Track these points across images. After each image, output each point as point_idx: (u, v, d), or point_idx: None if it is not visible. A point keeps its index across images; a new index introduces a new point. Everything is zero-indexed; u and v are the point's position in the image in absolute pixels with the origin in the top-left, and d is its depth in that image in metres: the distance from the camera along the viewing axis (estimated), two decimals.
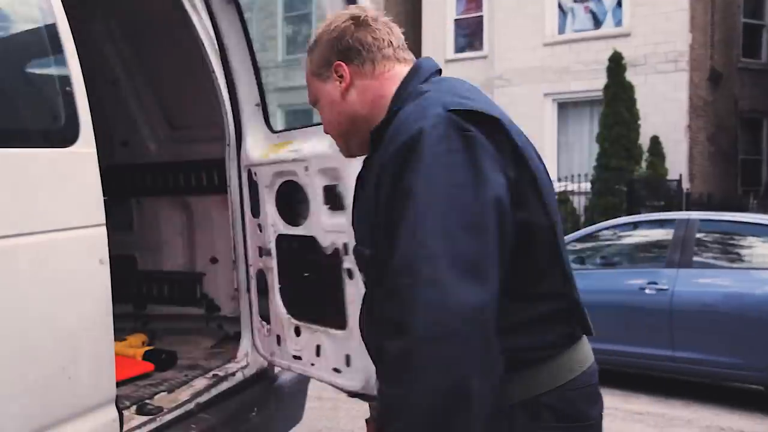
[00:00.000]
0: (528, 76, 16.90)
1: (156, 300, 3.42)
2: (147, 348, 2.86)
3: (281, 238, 2.61)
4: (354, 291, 2.34)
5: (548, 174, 1.39)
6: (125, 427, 2.22)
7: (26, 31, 1.99)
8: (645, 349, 6.29)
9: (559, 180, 13.22)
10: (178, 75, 3.10)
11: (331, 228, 2.42)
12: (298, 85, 20.67)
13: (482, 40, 18.57)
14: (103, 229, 2.04)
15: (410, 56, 1.51)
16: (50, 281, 1.90)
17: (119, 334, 2.99)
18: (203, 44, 2.77)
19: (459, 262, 1.15)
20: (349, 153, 1.57)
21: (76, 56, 2.02)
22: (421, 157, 1.21)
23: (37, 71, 2.04)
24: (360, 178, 1.50)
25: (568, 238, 7.27)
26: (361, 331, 1.57)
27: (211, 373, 2.68)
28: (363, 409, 5.29)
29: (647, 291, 6.28)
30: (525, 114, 16.91)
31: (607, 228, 7.46)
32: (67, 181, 1.96)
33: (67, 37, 2.00)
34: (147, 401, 2.42)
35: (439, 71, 1.51)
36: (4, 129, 1.86)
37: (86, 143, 2.01)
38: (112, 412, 2.08)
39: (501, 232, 1.20)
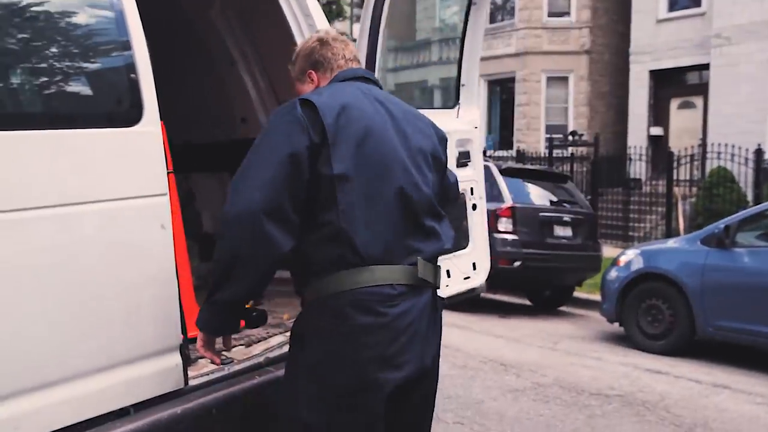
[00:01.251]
0: (754, 34, 15.30)
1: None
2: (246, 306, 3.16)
3: None
4: (476, 218, 3.62)
5: (386, 145, 2.05)
6: (196, 372, 2.52)
7: (97, 22, 2.27)
8: None
9: None
10: (282, 58, 3.32)
11: (461, 179, 3.10)
12: (500, 54, 20.55)
13: None
14: (165, 198, 2.32)
15: (357, 66, 2.28)
16: (117, 242, 2.21)
17: None
18: (291, 29, 2.97)
19: (254, 182, 1.93)
20: None
21: (144, 46, 2.30)
22: (272, 121, 2.05)
23: (106, 60, 2.32)
24: None
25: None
26: None
27: (287, 330, 2.92)
28: (500, 380, 5.43)
29: None
30: (747, 76, 15.37)
31: None
32: (132, 156, 2.25)
33: (135, 28, 2.27)
34: (224, 352, 2.69)
35: (361, 78, 2.22)
36: (76, 112, 2.19)
37: (150, 123, 2.28)
38: (176, 358, 2.38)
39: (292, 169, 1.92)
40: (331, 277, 1.99)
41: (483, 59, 16.13)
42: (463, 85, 3.50)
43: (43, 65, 2.16)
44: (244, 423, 2.54)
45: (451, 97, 3.60)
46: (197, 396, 2.42)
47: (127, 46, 2.25)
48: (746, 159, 14.00)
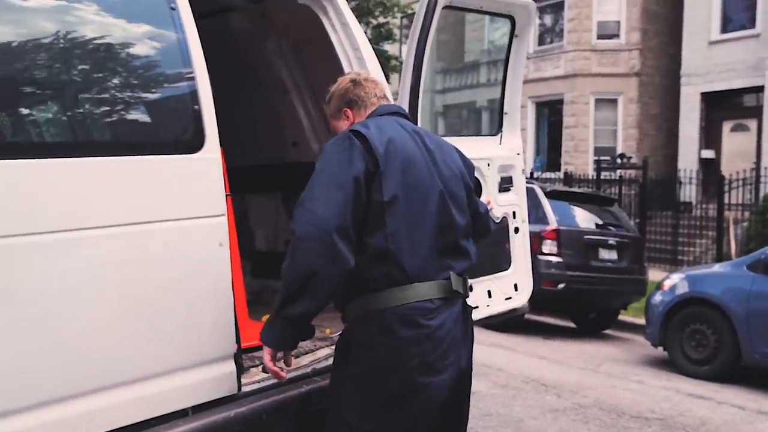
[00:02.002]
0: None
1: None
2: None
3: None
4: (518, 241, 3.80)
5: (424, 174, 2.28)
6: (247, 380, 2.72)
7: (165, 60, 2.51)
8: None
9: None
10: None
11: (503, 203, 3.61)
12: (548, 76, 20.59)
13: (755, 15, 16.93)
14: (224, 218, 2.54)
15: (387, 102, 2.54)
16: (179, 258, 2.43)
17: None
18: (341, 61, 3.19)
19: (325, 203, 2.11)
20: None
21: (207, 80, 2.53)
22: (329, 150, 2.24)
23: (173, 93, 2.56)
24: None
25: None
26: None
27: (333, 344, 3.10)
28: (540, 400, 5.56)
29: None
30: None
31: None
32: (194, 179, 2.47)
33: (199, 64, 2.51)
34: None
35: (396, 113, 2.46)
36: (146, 141, 2.43)
37: (210, 150, 2.51)
38: (230, 366, 2.58)
39: (354, 192, 2.13)
40: (379, 294, 2.20)
41: (531, 81, 16.34)
42: (506, 113, 3.66)
43: (118, 100, 2.41)
44: (292, 428, 2.73)
45: (495, 122, 3.76)
46: (249, 401, 2.61)
47: (191, 81, 2.48)
48: None
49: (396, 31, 20.91)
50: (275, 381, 2.76)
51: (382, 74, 3.31)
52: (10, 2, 2.19)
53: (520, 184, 3.68)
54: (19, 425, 2.05)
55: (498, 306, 3.54)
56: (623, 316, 9.60)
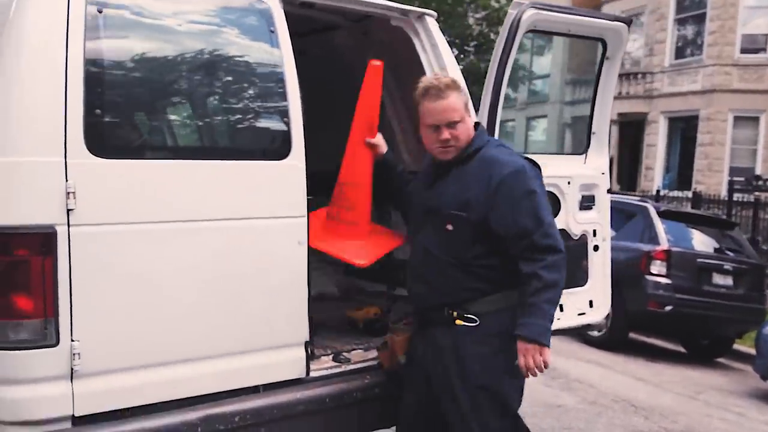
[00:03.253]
0: None
1: (403, 284, 4.17)
2: (370, 318, 3.62)
3: None
4: (597, 259, 3.78)
5: None
6: (317, 366, 3.01)
7: (261, 78, 2.86)
8: None
9: None
10: None
11: (582, 221, 3.72)
12: (685, 90, 19.80)
13: None
14: (303, 220, 2.84)
15: None
16: (264, 252, 2.76)
17: (364, 305, 3.86)
18: None
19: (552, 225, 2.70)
20: (448, 159, 2.80)
21: (297, 95, 2.84)
22: (531, 177, 2.70)
23: (265, 107, 2.90)
24: (441, 172, 2.83)
25: None
26: (416, 267, 2.87)
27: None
28: (626, 420, 5.60)
29: None
30: None
31: None
32: (280, 184, 2.79)
33: (291, 82, 2.82)
34: (344, 353, 3.18)
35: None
36: (240, 148, 2.79)
37: (296, 158, 2.81)
38: (301, 352, 2.88)
39: None
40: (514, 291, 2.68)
41: (665, 96, 15.88)
42: (593, 133, 3.74)
43: (224, 113, 2.81)
44: (353, 413, 2.99)
45: (583, 141, 3.84)
46: (316, 385, 2.92)
47: (284, 98, 2.80)
48: None
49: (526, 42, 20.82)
50: (341, 369, 3.06)
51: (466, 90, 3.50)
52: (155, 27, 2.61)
53: (603, 203, 3.75)
54: (125, 381, 2.47)
55: (570, 320, 3.63)
56: (738, 346, 9.19)
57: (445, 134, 2.71)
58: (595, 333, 8.56)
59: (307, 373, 2.92)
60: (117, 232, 2.43)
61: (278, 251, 2.80)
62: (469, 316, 2.69)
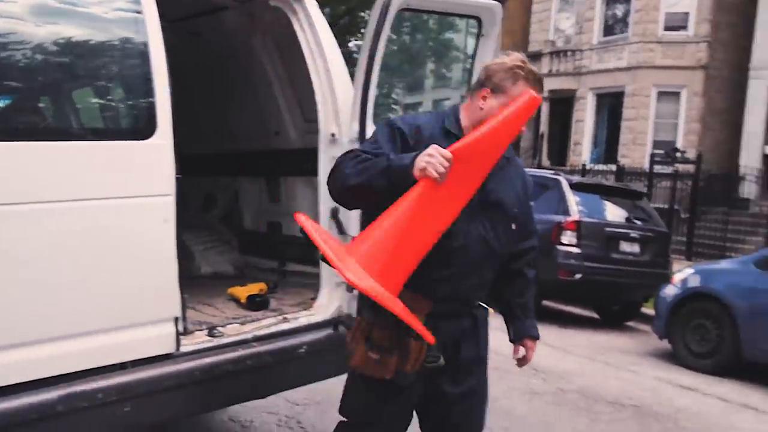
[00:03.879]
0: None
1: (293, 259, 4.31)
2: (252, 293, 3.75)
3: None
4: None
5: None
6: (190, 341, 3.11)
7: (125, 59, 2.92)
8: None
9: None
10: (304, 80, 3.88)
11: None
12: (612, 67, 20.31)
13: None
14: (170, 198, 2.91)
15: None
16: (126, 231, 2.83)
17: (251, 281, 3.98)
18: (306, 58, 3.56)
19: None
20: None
21: (165, 76, 2.90)
22: None
23: (129, 87, 2.97)
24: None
25: None
26: (474, 259, 2.48)
27: (282, 317, 3.48)
28: (525, 383, 5.78)
29: None
30: None
31: None
32: (144, 163, 2.87)
33: (158, 63, 2.88)
34: (219, 328, 3.30)
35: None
36: (101, 128, 2.87)
37: (161, 137, 2.89)
38: (170, 328, 2.97)
39: None
40: None
41: (592, 73, 16.28)
42: None
43: (81, 93, 2.86)
44: (225, 385, 3.12)
45: None
46: (185, 360, 3.01)
47: (149, 78, 2.86)
48: None
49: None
50: (214, 344, 3.18)
51: (347, 72, 3.63)
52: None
53: None
54: None
55: None
56: (646, 309, 9.64)
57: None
58: None
59: (178, 348, 3.01)
60: None
61: (143, 229, 2.88)
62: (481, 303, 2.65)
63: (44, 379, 2.62)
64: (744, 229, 15.29)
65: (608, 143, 21.04)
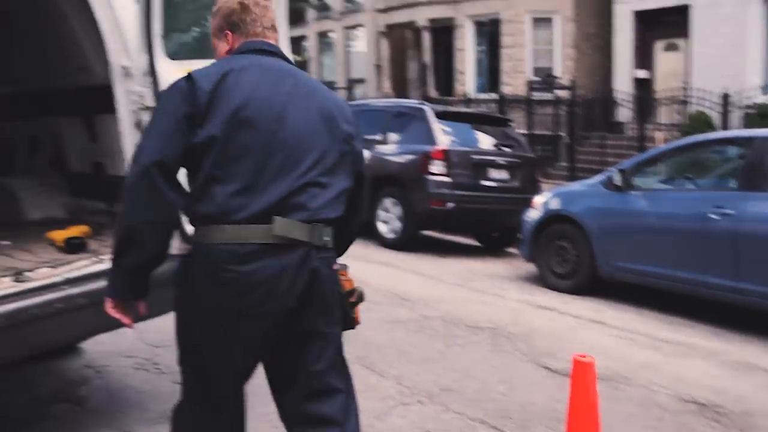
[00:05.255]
0: None
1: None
2: (70, 236, 3.54)
3: None
4: None
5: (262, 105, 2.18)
6: None
7: None
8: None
9: None
10: None
11: None
12: None
13: None
14: None
15: (273, 35, 2.38)
16: None
17: (77, 224, 3.75)
18: None
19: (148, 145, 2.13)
20: None
21: None
22: (164, 92, 2.26)
23: None
24: None
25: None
26: None
27: (98, 258, 3.30)
28: (390, 313, 5.65)
29: (713, 216, 5.89)
30: (727, 17, 15.21)
31: (687, 145, 6.98)
32: None
33: None
34: (27, 272, 3.09)
35: (263, 50, 2.32)
36: None
37: None
38: None
39: (175, 133, 2.11)
40: (200, 231, 2.22)
41: (469, 0, 15.96)
42: None
43: None
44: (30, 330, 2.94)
45: None
46: None
47: None
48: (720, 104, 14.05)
49: None
50: (19, 289, 2.98)
51: (133, 2, 3.37)
52: None
53: None
54: None
55: None
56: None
57: None
58: (390, 235, 9.00)
59: None
60: None
61: None
62: None
63: None
64: (621, 153, 15.91)
65: (491, 72, 21.26)
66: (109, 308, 2.25)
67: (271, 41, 2.37)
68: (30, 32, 4.14)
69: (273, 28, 2.40)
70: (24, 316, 2.89)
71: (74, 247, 3.46)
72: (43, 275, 3.12)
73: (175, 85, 2.20)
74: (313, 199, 2.19)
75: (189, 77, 2.17)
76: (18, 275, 3.06)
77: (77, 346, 4.49)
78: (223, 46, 2.38)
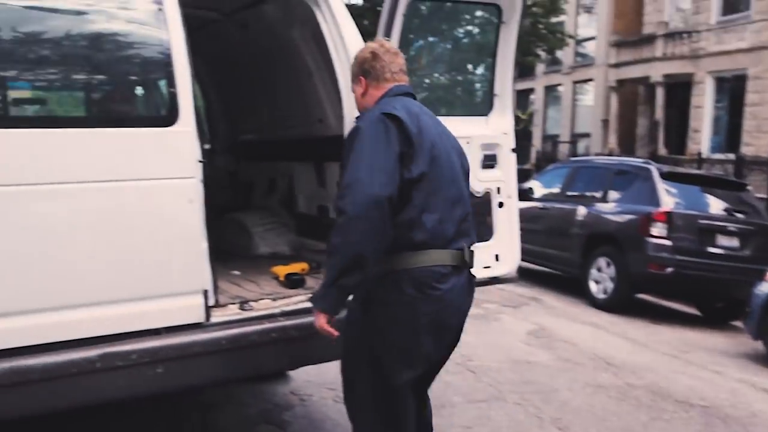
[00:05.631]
0: None
1: None
2: (290, 271, 3.91)
3: None
4: (501, 215, 3.95)
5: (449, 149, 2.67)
6: (221, 312, 3.30)
7: (148, 53, 3.15)
8: None
9: None
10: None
11: (485, 179, 3.89)
12: (732, 48, 19.08)
13: None
14: (194, 180, 3.12)
15: (403, 78, 2.77)
16: (153, 210, 3.06)
17: (298, 261, 4.15)
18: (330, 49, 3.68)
19: (371, 182, 2.42)
20: None
21: (187, 70, 3.10)
22: (364, 134, 2.51)
23: (152, 80, 3.20)
24: None
25: None
26: None
27: (312, 294, 3.61)
28: (593, 376, 5.78)
29: None
30: None
31: None
32: (167, 148, 3.09)
33: (180, 57, 3.09)
34: (251, 302, 3.48)
35: (408, 93, 2.72)
36: (126, 117, 3.11)
37: (184, 124, 3.10)
38: (199, 299, 3.18)
39: (394, 171, 2.45)
40: (398, 256, 2.59)
41: (711, 55, 15.54)
42: (496, 96, 3.90)
43: (111, 84, 3.11)
44: (250, 354, 3.30)
45: (486, 104, 3.97)
46: (214, 329, 3.22)
47: (170, 70, 3.08)
48: None
49: (565, 6, 20.47)
50: (242, 316, 3.36)
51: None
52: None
53: (506, 162, 3.92)
54: (28, 322, 2.83)
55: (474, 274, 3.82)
56: None
57: None
58: (601, 295, 8.68)
59: (208, 318, 3.22)
60: (14, 192, 2.78)
61: (168, 208, 3.09)
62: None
63: (86, 338, 2.92)
64: None
65: (730, 130, 19.82)
66: (323, 323, 2.61)
67: (404, 84, 2.75)
68: (280, 88, 4.71)
69: (402, 71, 2.77)
70: (245, 342, 3.26)
71: (293, 282, 3.82)
72: (264, 306, 3.49)
73: (384, 124, 2.50)
74: (470, 227, 2.69)
75: (396, 118, 2.50)
76: (243, 304, 3.45)
77: (285, 373, 4.89)
78: (358, 90, 2.80)
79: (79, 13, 3.03)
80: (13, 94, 3.00)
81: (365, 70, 2.76)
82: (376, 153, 2.46)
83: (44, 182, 2.85)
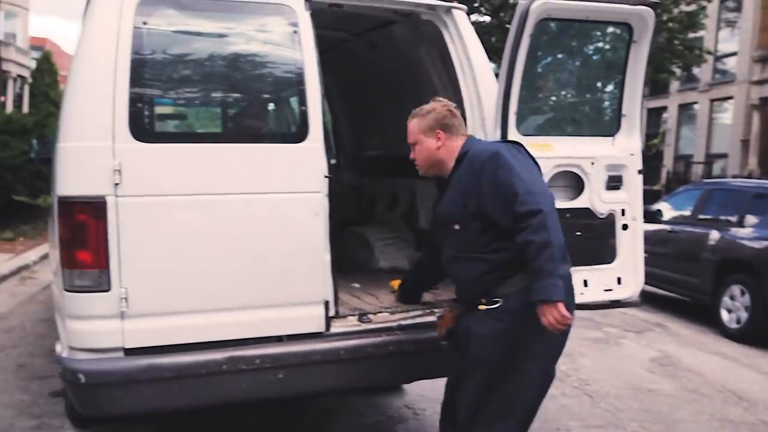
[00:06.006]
0: None
1: None
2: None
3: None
4: (626, 237, 3.88)
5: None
6: (341, 323, 3.43)
7: (283, 75, 3.35)
8: None
9: None
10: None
11: (609, 200, 3.84)
12: None
13: None
14: (320, 195, 3.27)
15: (466, 131, 3.21)
16: (281, 222, 3.24)
17: None
18: (456, 70, 3.76)
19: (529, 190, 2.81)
20: (425, 174, 3.27)
21: (317, 85, 3.27)
22: (505, 157, 2.87)
23: (285, 99, 3.38)
24: (445, 185, 3.14)
25: None
26: (447, 270, 3.19)
27: (429, 309, 3.66)
28: (721, 410, 5.62)
29: None
30: None
31: None
32: (297, 163, 3.25)
33: (311, 77, 3.26)
34: (369, 314, 3.58)
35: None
36: (261, 133, 3.31)
37: (313, 141, 3.26)
38: (320, 310, 3.32)
39: None
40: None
41: None
42: (624, 116, 3.82)
43: (248, 103, 3.33)
44: (367, 365, 3.39)
45: (614, 124, 3.89)
46: (333, 339, 3.35)
47: (302, 88, 3.25)
48: None
49: (705, 21, 19.55)
50: (361, 328, 3.46)
51: (494, 82, 3.74)
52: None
53: (632, 184, 3.82)
54: (165, 323, 3.08)
55: (595, 296, 3.75)
56: None
57: (411, 153, 3.21)
58: (733, 325, 8.20)
59: (327, 328, 3.35)
60: (155, 202, 3.03)
61: (295, 221, 3.26)
62: (493, 299, 2.93)
63: (215, 342, 3.14)
64: None
65: None
66: (562, 310, 2.70)
67: (473, 136, 3.22)
68: (405, 106, 4.82)
69: (464, 126, 3.22)
70: (362, 353, 3.37)
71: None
72: (382, 319, 3.58)
73: (524, 153, 2.99)
74: None
75: (523, 147, 2.99)
76: (362, 316, 3.56)
77: (400, 386, 4.96)
78: (432, 143, 3.08)
79: (223, 40, 3.27)
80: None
81: (445, 125, 3.08)
82: (533, 173, 2.91)
83: (186, 193, 3.08)
